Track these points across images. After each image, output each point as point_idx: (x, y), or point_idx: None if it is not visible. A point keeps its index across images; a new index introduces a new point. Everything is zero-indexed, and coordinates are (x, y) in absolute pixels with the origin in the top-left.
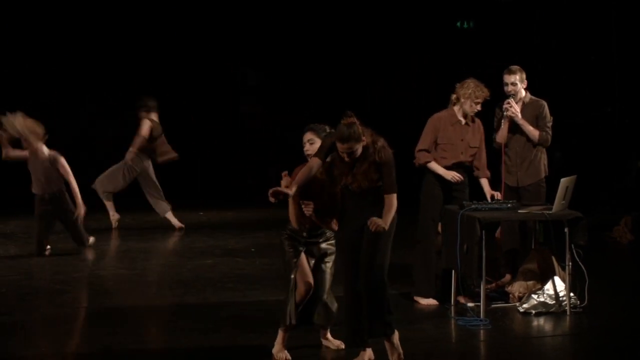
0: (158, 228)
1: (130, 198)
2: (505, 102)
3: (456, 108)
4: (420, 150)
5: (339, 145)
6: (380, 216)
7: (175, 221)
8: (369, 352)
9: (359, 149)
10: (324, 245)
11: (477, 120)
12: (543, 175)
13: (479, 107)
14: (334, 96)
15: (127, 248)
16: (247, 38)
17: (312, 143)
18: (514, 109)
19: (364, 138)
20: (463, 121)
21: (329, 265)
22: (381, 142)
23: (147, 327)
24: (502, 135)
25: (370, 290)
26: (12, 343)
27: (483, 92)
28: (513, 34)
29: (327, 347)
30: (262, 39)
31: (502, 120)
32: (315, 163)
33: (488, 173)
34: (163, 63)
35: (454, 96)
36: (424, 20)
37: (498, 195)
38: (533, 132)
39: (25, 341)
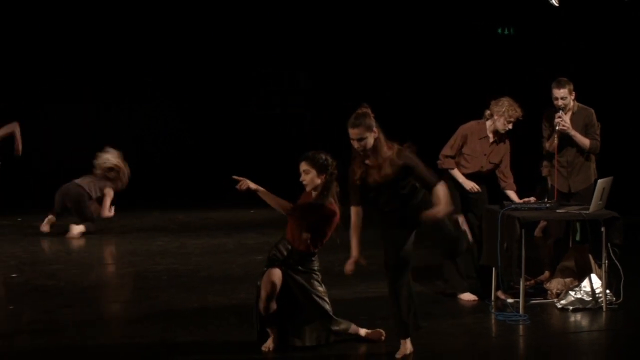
0: (211, 225)
1: (186, 198)
2: (557, 117)
3: (488, 123)
4: (445, 156)
5: (350, 131)
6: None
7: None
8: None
9: (369, 139)
10: (305, 274)
11: (507, 142)
12: (593, 180)
13: (510, 126)
14: (377, 100)
15: (180, 244)
16: (297, 41)
17: (308, 173)
18: (565, 122)
19: (375, 130)
20: (491, 138)
21: (315, 285)
22: (396, 146)
23: (197, 322)
24: (552, 145)
25: (393, 290)
26: (70, 334)
27: (516, 112)
28: (554, 40)
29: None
30: (312, 41)
31: (554, 133)
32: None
33: (514, 187)
34: (215, 66)
35: (487, 112)
36: (466, 26)
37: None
38: (584, 141)
39: (84, 334)
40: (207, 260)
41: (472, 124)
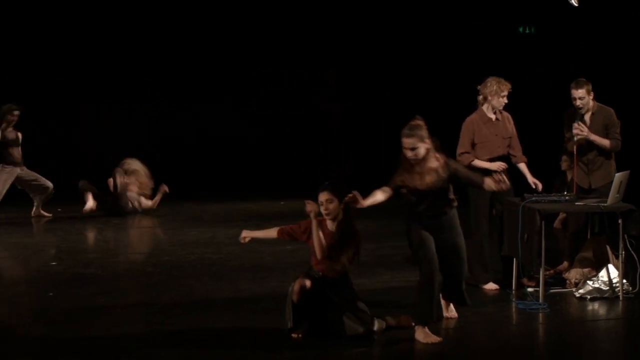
0: (242, 216)
1: (217, 191)
2: (574, 128)
3: (485, 107)
4: (462, 154)
5: (403, 141)
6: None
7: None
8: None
9: (421, 149)
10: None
11: (505, 113)
12: (613, 176)
13: (506, 100)
14: (404, 97)
15: (212, 234)
16: (328, 39)
17: (331, 202)
18: (582, 131)
19: (427, 141)
20: (493, 118)
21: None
22: (443, 157)
23: (230, 309)
24: (572, 146)
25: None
26: (106, 321)
27: (506, 86)
28: (574, 39)
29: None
30: (343, 39)
31: (574, 137)
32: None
33: (525, 158)
34: (248, 64)
35: (480, 97)
36: (488, 25)
37: (539, 185)
38: (604, 142)
39: (120, 320)
40: (238, 250)
41: (471, 116)
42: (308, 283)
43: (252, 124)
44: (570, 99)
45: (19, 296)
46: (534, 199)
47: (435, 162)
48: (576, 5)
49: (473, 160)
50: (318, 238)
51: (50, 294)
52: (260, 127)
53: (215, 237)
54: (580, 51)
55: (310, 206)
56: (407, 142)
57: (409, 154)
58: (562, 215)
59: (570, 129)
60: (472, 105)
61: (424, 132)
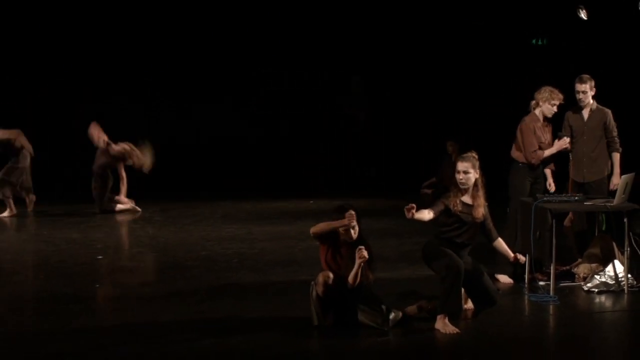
0: (275, 214)
1: (252, 190)
2: (565, 144)
3: (537, 111)
4: (533, 151)
5: (458, 164)
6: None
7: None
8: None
9: (472, 175)
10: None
11: (562, 139)
12: (606, 173)
13: (556, 109)
14: (426, 104)
15: (247, 231)
16: (355, 46)
17: (358, 222)
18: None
19: (478, 171)
20: (540, 124)
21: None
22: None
23: (263, 299)
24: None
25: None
26: (149, 311)
27: (558, 96)
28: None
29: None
30: (369, 46)
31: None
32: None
33: (553, 166)
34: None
35: (533, 102)
36: (502, 37)
37: (553, 187)
38: (617, 159)
39: (161, 309)
40: (272, 245)
41: (528, 117)
42: (331, 276)
43: (276, 125)
44: (568, 100)
45: (67, 287)
46: (545, 199)
47: (482, 200)
48: (585, 18)
49: (543, 153)
50: (356, 274)
51: (97, 285)
52: (285, 129)
53: (250, 234)
54: (587, 58)
55: (362, 252)
56: (461, 165)
57: (461, 176)
58: (571, 214)
59: (567, 129)
60: (492, 111)
61: (476, 163)
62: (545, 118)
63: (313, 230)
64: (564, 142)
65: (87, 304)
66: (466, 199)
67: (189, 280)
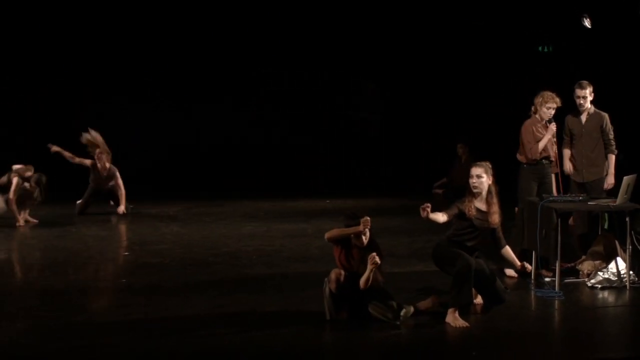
0: (292, 213)
1: (271, 190)
2: (553, 129)
3: (537, 115)
4: (530, 148)
5: (472, 169)
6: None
7: None
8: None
9: (485, 180)
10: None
11: (551, 124)
12: (604, 173)
13: (551, 112)
14: (437, 107)
15: (266, 229)
16: (368, 52)
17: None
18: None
19: (491, 178)
20: (540, 126)
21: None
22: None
23: (281, 294)
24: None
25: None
26: (173, 304)
27: (552, 98)
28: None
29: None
30: (381, 52)
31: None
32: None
33: (557, 169)
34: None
35: (533, 107)
36: (509, 45)
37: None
38: (612, 170)
39: (184, 303)
40: (290, 243)
41: (527, 121)
42: (343, 274)
43: (276, 125)
44: (568, 102)
45: (98, 281)
46: (551, 199)
47: (497, 207)
48: (589, 27)
49: (538, 148)
50: (367, 278)
51: (124, 280)
52: (285, 129)
53: (269, 231)
54: (590, 63)
55: (374, 259)
56: (474, 170)
57: (474, 180)
58: (573, 217)
59: (567, 132)
60: (500, 114)
61: (490, 170)
62: (549, 120)
63: (327, 235)
64: (552, 127)
65: (115, 297)
66: (480, 205)
67: (211, 276)
